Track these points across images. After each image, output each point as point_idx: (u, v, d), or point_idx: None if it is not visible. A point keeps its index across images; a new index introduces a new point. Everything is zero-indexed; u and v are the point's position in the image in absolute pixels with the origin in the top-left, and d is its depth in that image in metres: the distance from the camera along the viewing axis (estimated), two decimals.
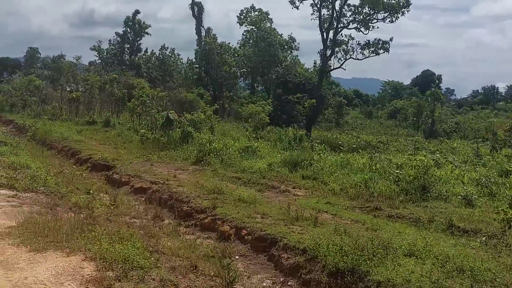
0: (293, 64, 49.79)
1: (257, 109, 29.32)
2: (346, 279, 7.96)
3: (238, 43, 60.13)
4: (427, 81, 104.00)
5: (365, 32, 28.81)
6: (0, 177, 12.86)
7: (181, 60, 59.13)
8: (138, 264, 6.94)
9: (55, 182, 13.24)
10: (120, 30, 76.91)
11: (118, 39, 77.26)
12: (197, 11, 52.69)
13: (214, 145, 20.38)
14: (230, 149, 20.42)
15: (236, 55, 55.63)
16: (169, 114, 24.64)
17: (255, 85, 67.41)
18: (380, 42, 29.31)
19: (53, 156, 24.52)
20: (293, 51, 54.29)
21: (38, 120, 38.85)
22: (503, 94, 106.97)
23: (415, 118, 45.72)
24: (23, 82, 52.94)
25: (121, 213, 13.35)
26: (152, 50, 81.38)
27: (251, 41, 53.77)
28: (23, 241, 7.65)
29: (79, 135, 29.02)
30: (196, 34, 53.55)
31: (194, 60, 54.99)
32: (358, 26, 33.17)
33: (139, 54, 78.74)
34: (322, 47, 29.41)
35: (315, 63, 59.21)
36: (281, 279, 9.00)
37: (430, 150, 23.93)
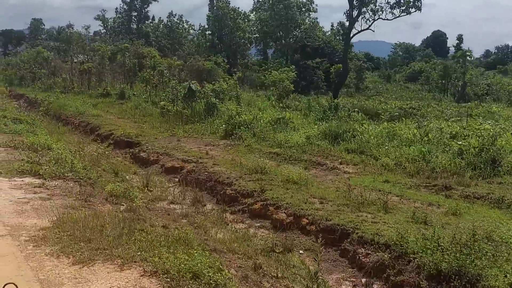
0: (312, 27, 47.54)
1: (281, 76, 27.63)
2: (452, 284, 6.55)
3: (251, 8, 57.67)
4: (438, 41, 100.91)
5: None
6: (22, 162, 11.50)
7: (192, 27, 56.79)
8: (211, 280, 5.57)
9: (83, 166, 11.86)
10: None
11: (125, 7, 74.87)
12: None
13: (243, 117, 18.87)
14: (261, 121, 18.91)
15: (246, 20, 53.26)
16: (191, 85, 23.07)
17: (267, 50, 65.22)
18: (411, 0, 27.32)
19: (70, 132, 23.17)
20: (311, 13, 51.98)
21: (50, 93, 37.42)
22: None
23: (442, 81, 43.56)
24: (31, 54, 51.22)
25: (157, 197, 12.08)
26: (160, 18, 79.07)
27: (266, 4, 51.30)
28: (63, 249, 6.30)
29: (95, 109, 27.57)
30: None
31: (206, 26, 52.71)
32: None
33: (146, 22, 76.48)
34: (347, 8, 27.50)
35: (332, 26, 57.07)
36: (363, 280, 7.64)
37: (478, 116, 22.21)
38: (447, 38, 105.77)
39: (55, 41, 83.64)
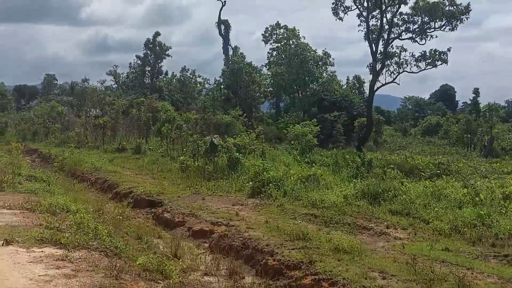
0: (330, 80, 47.17)
1: (304, 130, 26.68)
2: None
3: (265, 62, 57.76)
4: (447, 95, 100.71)
5: (421, 43, 26.17)
6: (40, 228, 10.32)
7: (208, 81, 56.47)
8: None
9: (107, 232, 10.64)
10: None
11: (139, 62, 75.58)
12: (224, 29, 50.54)
13: (271, 174, 17.69)
14: (291, 178, 17.71)
15: (259, 74, 53.21)
16: (213, 139, 22.09)
17: (279, 104, 64.87)
18: (437, 53, 26.65)
19: (86, 190, 22.09)
20: (327, 67, 51.82)
21: (64, 148, 36.69)
22: None
23: (467, 135, 42.43)
24: (45, 109, 51.05)
25: (188, 267, 10.77)
26: (173, 72, 79.75)
27: (283, 59, 51.25)
28: None
29: (112, 165, 26.60)
30: (223, 53, 51.27)
31: (221, 80, 52.45)
32: (413, 36, 30.40)
33: (160, 76, 77.01)
34: (371, 60, 26.83)
35: (348, 79, 56.79)
36: None
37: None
38: (456, 92, 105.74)
39: (68, 95, 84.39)
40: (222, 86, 50.34)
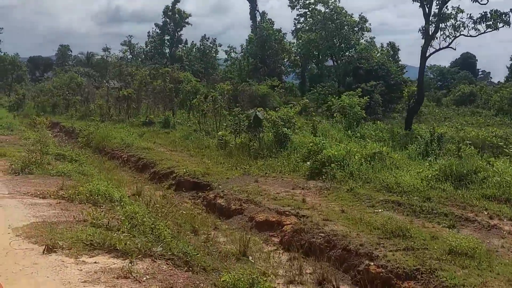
0: (368, 47, 44.29)
1: (353, 101, 24.31)
2: None
3: (292, 29, 54.61)
4: (468, 63, 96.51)
5: (482, 2, 23.32)
6: (86, 226, 8.36)
7: (234, 50, 53.40)
8: None
9: (170, 233, 8.64)
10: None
11: (158, 30, 73.00)
12: None
13: (332, 152, 15.52)
14: (355, 156, 15.52)
15: (289, 42, 50.20)
16: (258, 112, 19.91)
17: (305, 74, 62.09)
18: (499, 13, 23.92)
19: (118, 169, 20.23)
20: (364, 33, 48.65)
21: (87, 121, 34.85)
22: None
23: None
24: (64, 80, 49.12)
25: (264, 272, 8.76)
26: (193, 42, 77.15)
27: (317, 24, 48.11)
28: None
29: (142, 140, 24.59)
30: (250, 19, 48.29)
31: (248, 47, 49.52)
32: None
33: (179, 46, 74.46)
34: (424, 23, 24.09)
35: (382, 46, 53.67)
36: None
37: None
38: (477, 60, 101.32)
39: (84, 66, 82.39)
40: (248, 55, 47.54)
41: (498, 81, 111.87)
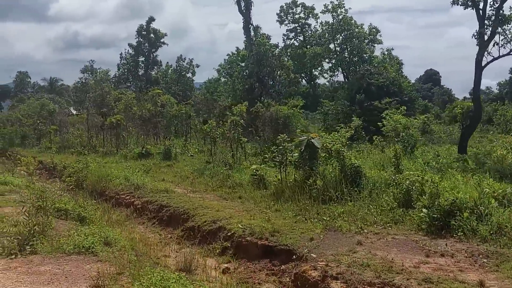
0: (385, 60, 40.58)
1: (410, 122, 20.19)
2: None
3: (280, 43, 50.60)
4: (432, 80, 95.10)
5: None
6: None
7: (225, 68, 48.03)
8: None
9: None
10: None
11: (131, 51, 67.90)
12: (244, 6, 43.14)
13: (459, 195, 11.17)
14: (489, 200, 11.18)
15: (287, 58, 46.03)
16: (312, 139, 15.41)
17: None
18: None
19: (132, 221, 15.39)
20: (374, 45, 44.78)
21: (67, 155, 29.73)
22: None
23: None
24: (33, 107, 43.47)
25: None
26: (167, 63, 72.61)
27: (326, 34, 44.07)
28: None
29: (153, 179, 19.72)
30: (244, 33, 43.83)
31: (240, 66, 45.06)
32: None
33: (155, 67, 69.60)
34: (477, 28, 20.44)
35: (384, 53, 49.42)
36: None
37: None
38: (441, 77, 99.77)
39: (47, 93, 76.49)
40: (243, 73, 42.97)
41: (464, 97, 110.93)
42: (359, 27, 43.20)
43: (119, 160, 25.54)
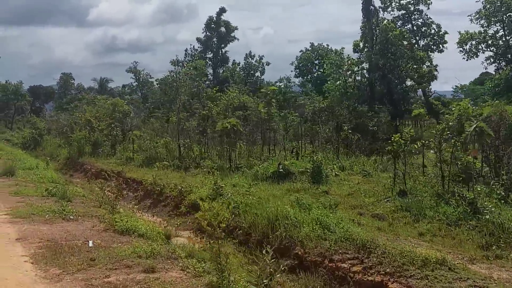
0: None
1: None
2: None
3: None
4: None
5: None
6: None
7: (352, 59, 39.28)
8: None
9: None
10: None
11: (200, 46, 60.60)
12: None
13: None
14: None
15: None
16: None
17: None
18: None
19: None
20: None
21: (157, 169, 22.78)
22: None
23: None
24: (105, 108, 36.71)
25: None
26: (234, 60, 65.42)
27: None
28: None
29: (364, 228, 12.00)
30: (363, 16, 34.90)
31: (354, 58, 36.71)
32: None
33: (225, 65, 62.34)
34: None
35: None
36: None
37: None
38: None
39: (98, 94, 70.98)
40: (362, 67, 34.69)
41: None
42: None
43: (254, 183, 18.07)
